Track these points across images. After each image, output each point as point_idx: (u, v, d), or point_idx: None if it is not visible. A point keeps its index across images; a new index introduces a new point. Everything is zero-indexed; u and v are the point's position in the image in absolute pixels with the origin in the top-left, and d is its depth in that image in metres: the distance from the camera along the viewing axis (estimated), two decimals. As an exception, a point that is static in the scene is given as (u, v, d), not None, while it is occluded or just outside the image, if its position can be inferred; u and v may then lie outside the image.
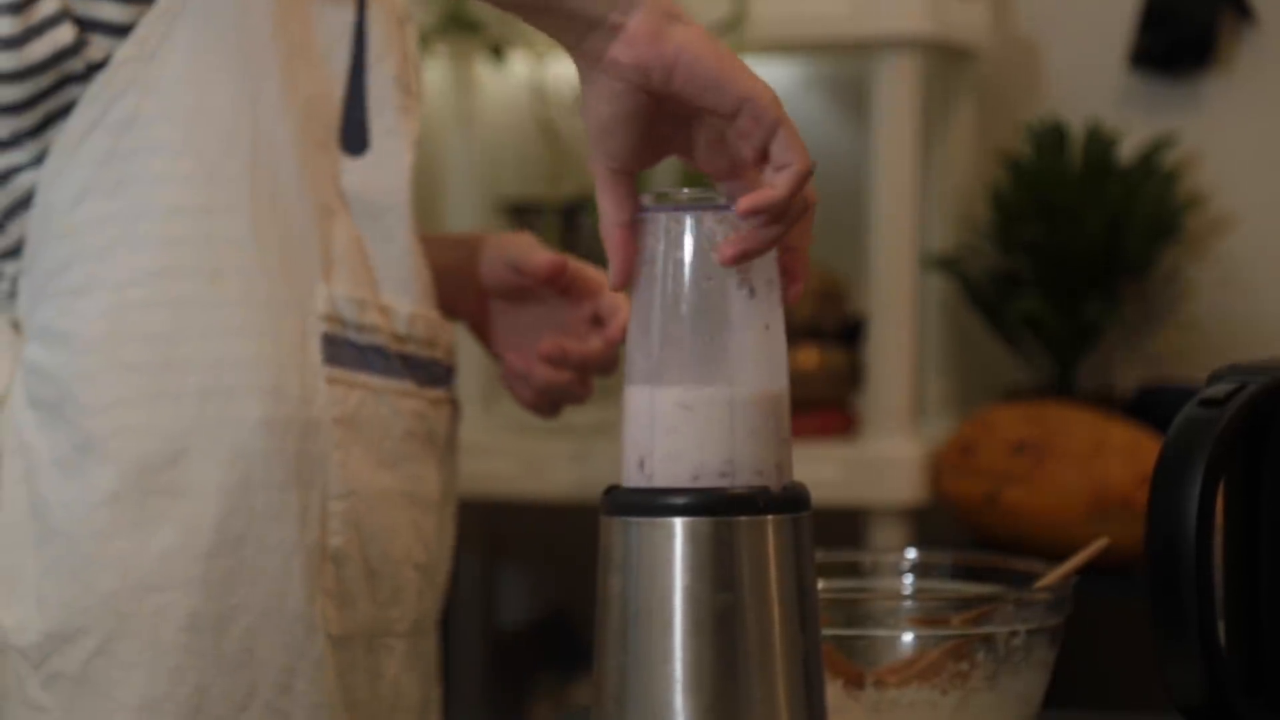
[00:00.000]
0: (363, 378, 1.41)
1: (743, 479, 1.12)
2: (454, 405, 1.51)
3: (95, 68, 1.36)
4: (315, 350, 1.38)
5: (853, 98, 2.84)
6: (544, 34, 1.15)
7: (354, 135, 1.43)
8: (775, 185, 1.10)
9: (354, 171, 1.42)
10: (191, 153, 1.36)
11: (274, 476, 1.36)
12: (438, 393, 1.47)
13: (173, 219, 1.36)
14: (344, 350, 1.40)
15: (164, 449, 1.34)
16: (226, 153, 1.37)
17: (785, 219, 1.10)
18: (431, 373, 1.47)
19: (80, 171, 1.35)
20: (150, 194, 1.35)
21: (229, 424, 1.35)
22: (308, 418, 1.37)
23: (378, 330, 1.42)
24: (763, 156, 1.10)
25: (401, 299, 1.44)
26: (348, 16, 1.43)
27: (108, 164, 1.35)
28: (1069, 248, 2.67)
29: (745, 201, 1.09)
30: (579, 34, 1.12)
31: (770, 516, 1.12)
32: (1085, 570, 1.37)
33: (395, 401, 1.43)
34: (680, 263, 1.13)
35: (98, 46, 1.36)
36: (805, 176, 1.10)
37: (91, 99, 1.36)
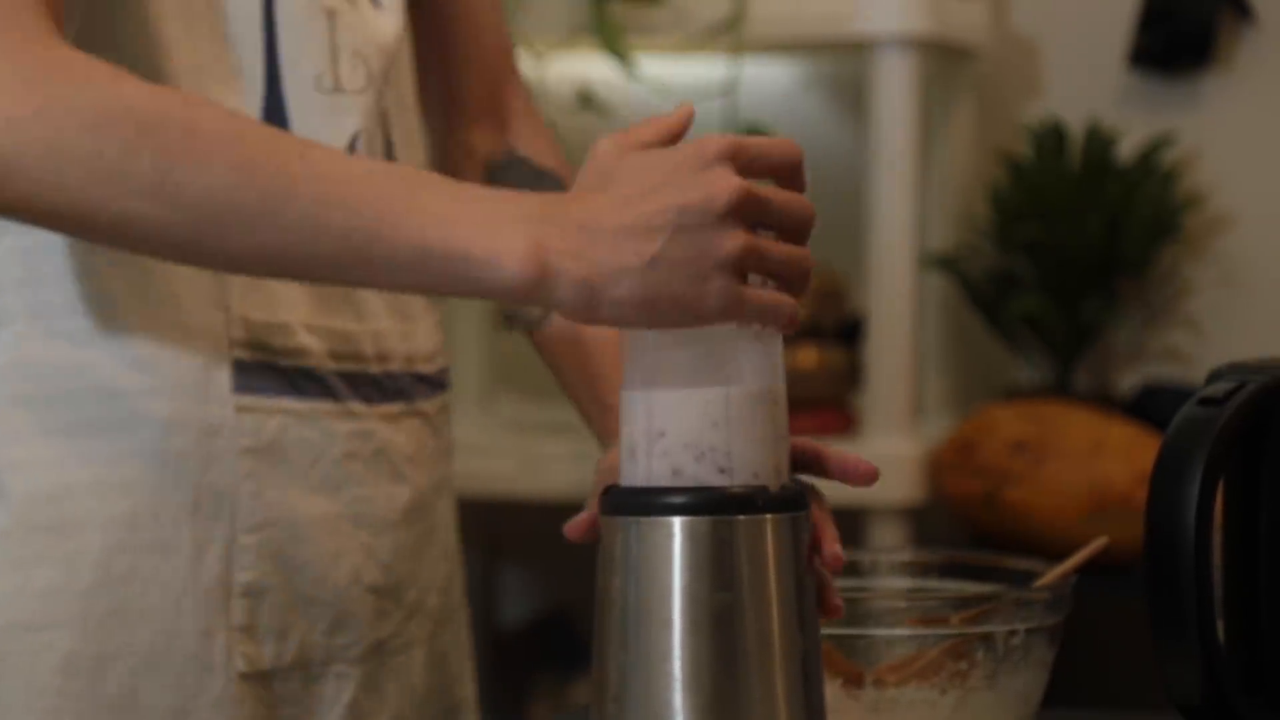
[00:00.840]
0: (285, 403, 1.37)
1: (741, 478, 1.12)
2: (425, 416, 1.47)
3: None
4: (223, 379, 1.35)
5: (851, 97, 2.84)
6: None
7: None
8: (782, 303, 1.13)
9: None
10: None
11: (165, 511, 1.33)
12: (394, 407, 1.44)
13: (70, 254, 1.34)
14: (262, 376, 1.36)
15: (51, 485, 1.32)
16: None
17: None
18: (385, 388, 1.43)
19: None
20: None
21: (117, 458, 1.33)
22: (209, 450, 1.34)
23: (306, 353, 1.38)
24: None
25: (335, 318, 1.41)
26: (255, 19, 1.37)
27: None
28: (1068, 247, 2.67)
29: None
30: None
31: (769, 516, 1.12)
32: (1084, 569, 1.37)
33: (329, 424, 1.39)
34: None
35: None
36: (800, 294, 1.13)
37: None
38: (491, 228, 1.12)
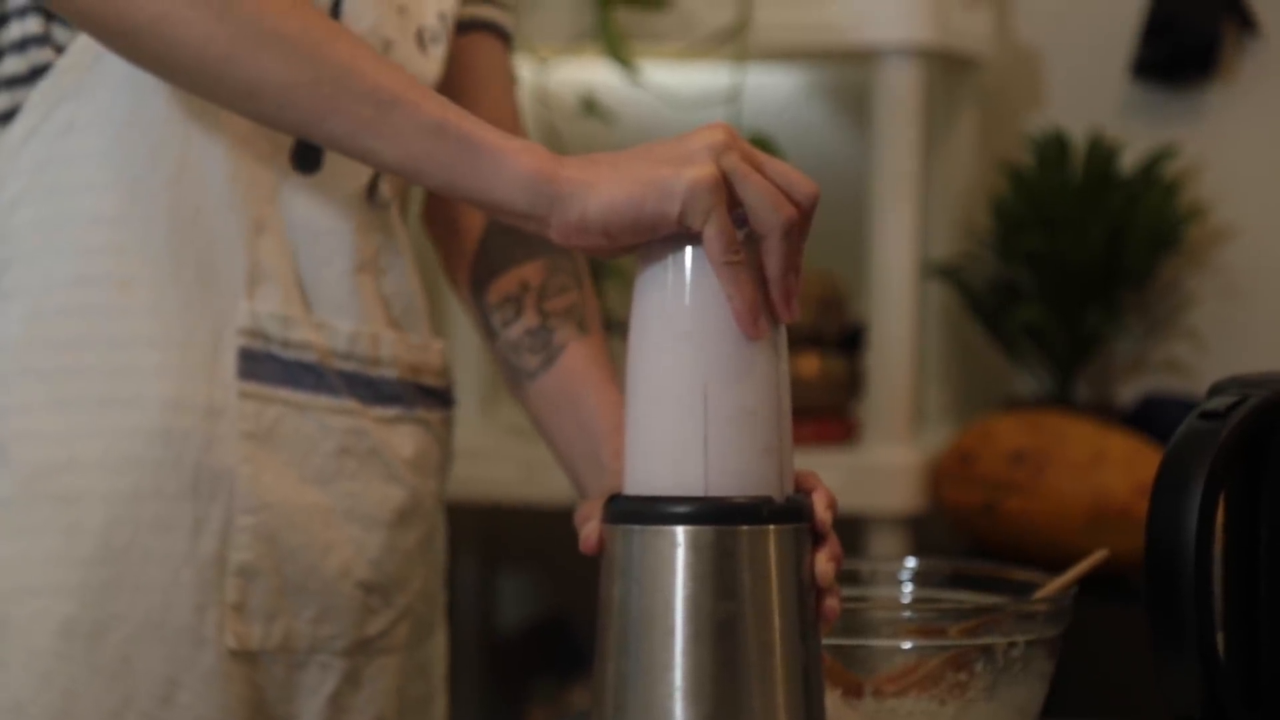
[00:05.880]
0: (285, 393, 1.40)
1: (744, 489, 1.12)
2: (428, 425, 1.49)
3: (39, 72, 1.36)
4: (229, 364, 1.38)
5: (855, 106, 2.84)
6: None
7: (306, 153, 1.41)
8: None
9: (302, 189, 1.41)
10: (116, 162, 1.36)
11: (166, 487, 1.36)
12: (390, 411, 1.45)
13: (92, 228, 1.36)
14: (265, 365, 1.39)
15: (58, 455, 1.35)
16: (151, 163, 1.36)
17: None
18: (381, 391, 1.45)
19: (20, 177, 1.36)
20: (74, 202, 1.36)
21: (123, 433, 1.35)
22: (212, 431, 1.37)
23: (309, 347, 1.40)
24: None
25: (340, 319, 1.43)
26: None
27: (43, 170, 1.36)
28: (1070, 257, 2.67)
29: (751, 328, 1.12)
30: (513, 220, 1.18)
31: (772, 526, 1.12)
32: (1084, 581, 1.37)
33: (325, 418, 1.41)
34: (681, 275, 1.13)
35: (51, 46, 1.36)
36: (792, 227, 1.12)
37: (34, 105, 1.36)
38: (505, 136, 1.18)
